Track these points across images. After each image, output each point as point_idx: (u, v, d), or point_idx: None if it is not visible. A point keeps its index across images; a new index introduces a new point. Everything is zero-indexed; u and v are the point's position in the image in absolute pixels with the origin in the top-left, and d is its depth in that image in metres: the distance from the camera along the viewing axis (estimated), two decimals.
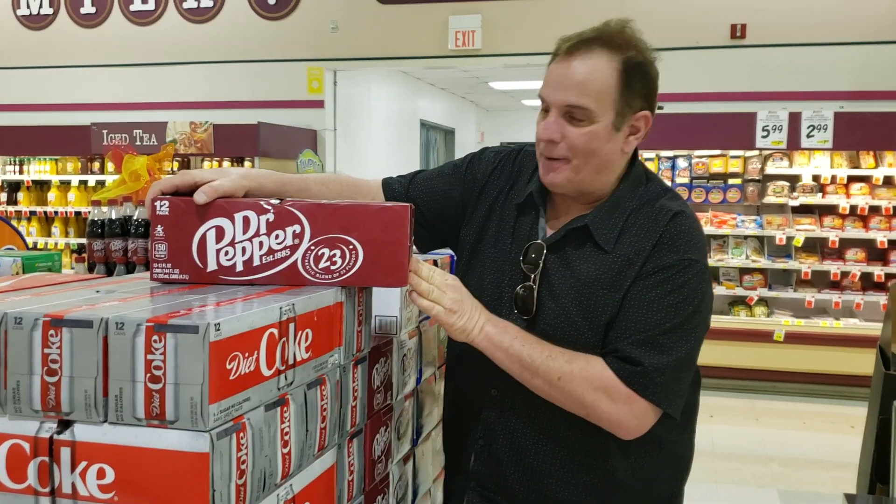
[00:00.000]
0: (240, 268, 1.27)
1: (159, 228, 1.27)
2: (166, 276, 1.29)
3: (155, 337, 0.98)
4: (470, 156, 1.79)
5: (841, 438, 5.31)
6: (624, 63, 1.49)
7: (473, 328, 1.49)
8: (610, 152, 1.54)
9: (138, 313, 1.02)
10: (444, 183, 1.75)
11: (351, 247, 1.28)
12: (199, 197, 1.26)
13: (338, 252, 1.28)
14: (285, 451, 1.15)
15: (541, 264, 1.57)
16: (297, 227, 1.27)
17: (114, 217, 2.57)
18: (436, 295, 1.45)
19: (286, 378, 1.15)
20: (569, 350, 1.50)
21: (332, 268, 1.28)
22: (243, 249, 1.27)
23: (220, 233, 1.27)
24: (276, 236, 1.27)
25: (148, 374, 0.99)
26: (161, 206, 1.27)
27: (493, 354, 1.51)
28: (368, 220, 1.28)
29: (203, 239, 1.27)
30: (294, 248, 1.27)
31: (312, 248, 1.27)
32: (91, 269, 2.58)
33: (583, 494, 1.61)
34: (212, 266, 1.27)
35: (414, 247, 1.50)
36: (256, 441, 1.07)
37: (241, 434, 1.03)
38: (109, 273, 2.56)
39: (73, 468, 1.00)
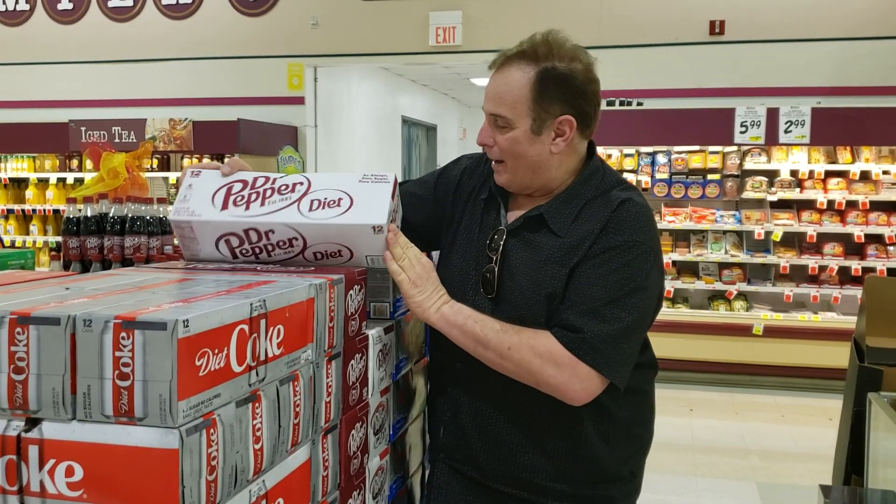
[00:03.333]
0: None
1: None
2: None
3: (123, 334, 0.98)
4: (448, 164, 1.94)
5: (819, 431, 5.36)
6: (538, 73, 1.62)
7: (430, 307, 1.64)
8: (536, 154, 1.67)
9: (107, 310, 1.02)
10: (422, 190, 1.90)
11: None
12: (225, 168, 1.68)
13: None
14: (257, 446, 1.15)
15: (500, 247, 1.70)
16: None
17: (89, 214, 2.56)
18: (405, 263, 1.63)
19: (258, 374, 1.15)
20: (520, 326, 1.61)
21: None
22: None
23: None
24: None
25: (116, 371, 0.98)
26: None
27: (449, 332, 1.64)
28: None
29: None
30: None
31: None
32: (67, 267, 2.56)
33: (542, 461, 1.70)
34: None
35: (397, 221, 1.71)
36: (227, 437, 1.06)
37: (212, 430, 1.03)
38: (85, 270, 2.55)
39: (41, 466, 0.99)
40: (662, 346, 7.09)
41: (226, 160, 1.75)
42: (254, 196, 1.60)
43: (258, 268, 1.54)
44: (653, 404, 1.84)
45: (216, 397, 1.05)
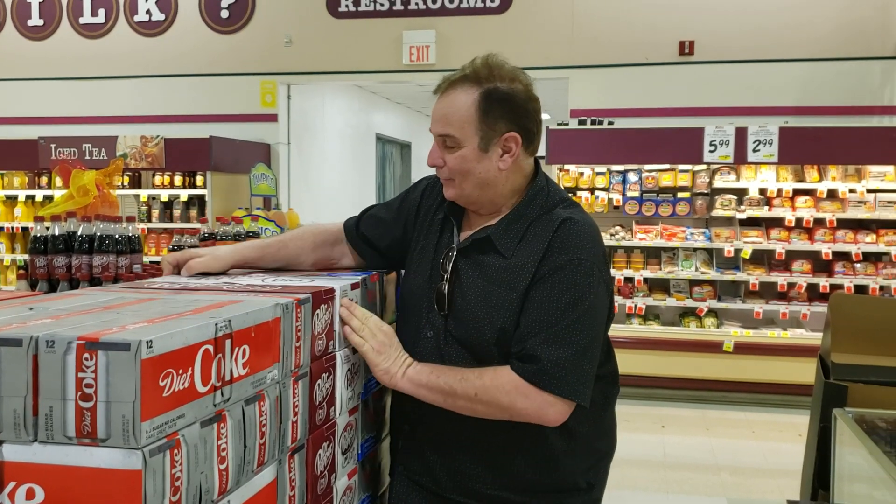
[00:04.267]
0: None
1: None
2: None
3: (86, 355, 0.97)
4: (410, 187, 2.01)
5: (789, 447, 5.40)
6: (481, 94, 1.70)
7: (396, 372, 1.69)
8: (485, 170, 1.73)
9: (70, 331, 1.02)
10: (387, 213, 1.97)
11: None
12: (183, 273, 1.78)
13: None
14: (222, 467, 1.14)
15: (450, 267, 1.76)
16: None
17: (57, 233, 2.53)
18: (366, 333, 1.68)
19: (223, 394, 1.15)
20: (477, 368, 1.66)
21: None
22: None
23: None
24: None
25: (79, 392, 0.98)
26: None
27: (417, 392, 1.69)
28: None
29: None
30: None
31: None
32: (33, 286, 2.54)
33: (497, 473, 1.73)
34: None
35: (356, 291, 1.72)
36: (192, 457, 1.06)
37: (175, 451, 1.03)
38: (52, 290, 2.52)
39: (1, 488, 0.98)
40: (634, 362, 7.10)
41: (194, 261, 1.83)
42: None
43: (225, 287, 1.54)
44: (613, 416, 1.88)
45: (180, 418, 1.05)
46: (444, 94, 1.74)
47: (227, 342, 1.16)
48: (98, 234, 2.51)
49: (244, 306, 1.26)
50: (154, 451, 0.98)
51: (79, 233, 2.52)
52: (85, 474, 0.97)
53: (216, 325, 1.13)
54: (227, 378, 1.16)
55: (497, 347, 1.67)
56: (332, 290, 1.55)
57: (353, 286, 1.67)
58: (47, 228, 2.56)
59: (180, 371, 1.04)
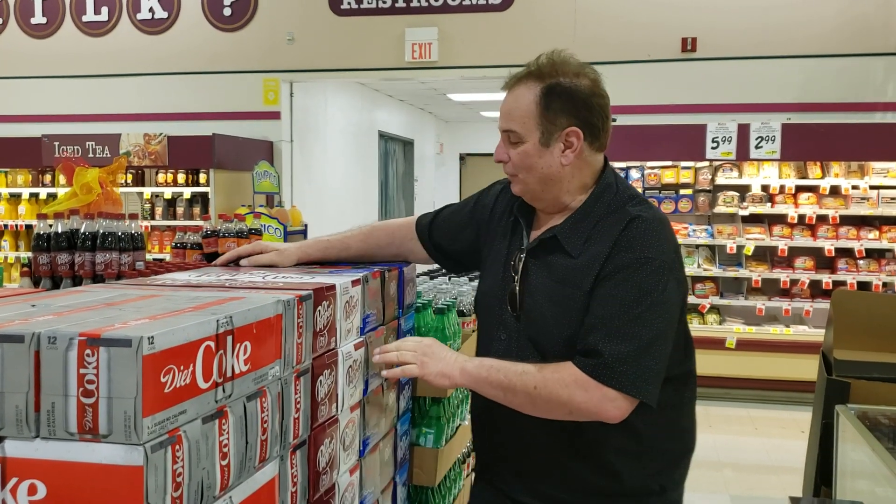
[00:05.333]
0: None
1: None
2: None
3: (88, 351, 0.98)
4: (483, 190, 2.04)
5: (791, 443, 5.41)
6: (543, 89, 1.70)
7: (452, 371, 1.70)
8: (546, 165, 1.73)
9: (71, 327, 1.02)
10: (461, 217, 2.02)
11: None
12: (243, 263, 1.96)
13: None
14: (224, 463, 1.15)
15: (520, 268, 1.77)
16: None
17: (60, 230, 2.54)
18: (405, 356, 1.72)
19: (224, 390, 1.16)
20: (539, 363, 1.65)
21: None
22: None
23: None
24: None
25: (81, 389, 0.98)
26: None
27: (478, 388, 1.71)
28: None
29: None
30: None
31: None
32: (37, 284, 2.54)
33: (562, 478, 1.75)
34: None
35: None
36: (193, 453, 1.07)
37: (177, 447, 1.03)
38: (56, 287, 2.53)
39: (3, 485, 0.99)
40: None
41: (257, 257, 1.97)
42: None
43: (227, 283, 1.54)
44: (691, 416, 1.84)
45: (182, 414, 1.05)
46: (510, 91, 1.76)
47: (229, 338, 1.16)
48: (101, 231, 2.51)
49: (246, 303, 1.26)
50: (156, 446, 0.99)
51: (81, 230, 2.53)
52: (87, 470, 0.98)
53: (218, 321, 1.13)
54: (229, 374, 1.16)
55: (566, 348, 1.66)
56: (333, 287, 1.56)
57: (354, 283, 1.67)
58: (50, 226, 2.57)
59: (182, 367, 1.05)
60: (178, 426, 1.04)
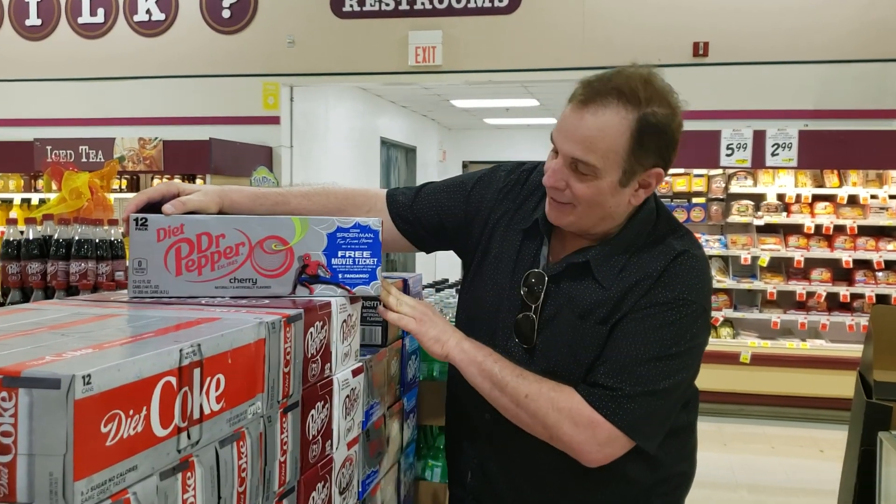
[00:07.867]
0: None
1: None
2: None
3: (3, 393, 0.75)
4: (480, 173, 1.74)
5: (811, 463, 5.18)
6: (638, 122, 1.41)
7: (449, 340, 1.52)
8: (615, 205, 1.49)
9: None
10: (448, 199, 1.72)
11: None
12: (167, 208, 1.38)
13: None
14: None
15: (542, 296, 1.55)
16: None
17: (31, 237, 2.32)
18: (404, 308, 1.53)
19: (189, 437, 0.93)
20: (544, 378, 1.47)
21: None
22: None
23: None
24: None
25: None
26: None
27: (466, 368, 1.51)
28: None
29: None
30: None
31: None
32: (5, 295, 2.33)
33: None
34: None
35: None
36: None
37: None
38: (26, 299, 2.31)
39: None
40: None
41: (178, 198, 1.44)
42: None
43: (203, 301, 1.31)
44: (695, 437, 1.71)
45: (131, 471, 0.82)
46: (590, 109, 1.42)
47: (196, 371, 0.93)
48: (76, 238, 2.29)
49: (219, 326, 1.04)
50: None
51: (55, 237, 2.31)
52: None
53: (181, 351, 0.90)
54: (196, 416, 0.94)
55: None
56: (328, 305, 1.33)
57: (353, 300, 1.44)
58: (21, 232, 2.35)
59: (131, 412, 0.82)
60: (125, 487, 0.82)
